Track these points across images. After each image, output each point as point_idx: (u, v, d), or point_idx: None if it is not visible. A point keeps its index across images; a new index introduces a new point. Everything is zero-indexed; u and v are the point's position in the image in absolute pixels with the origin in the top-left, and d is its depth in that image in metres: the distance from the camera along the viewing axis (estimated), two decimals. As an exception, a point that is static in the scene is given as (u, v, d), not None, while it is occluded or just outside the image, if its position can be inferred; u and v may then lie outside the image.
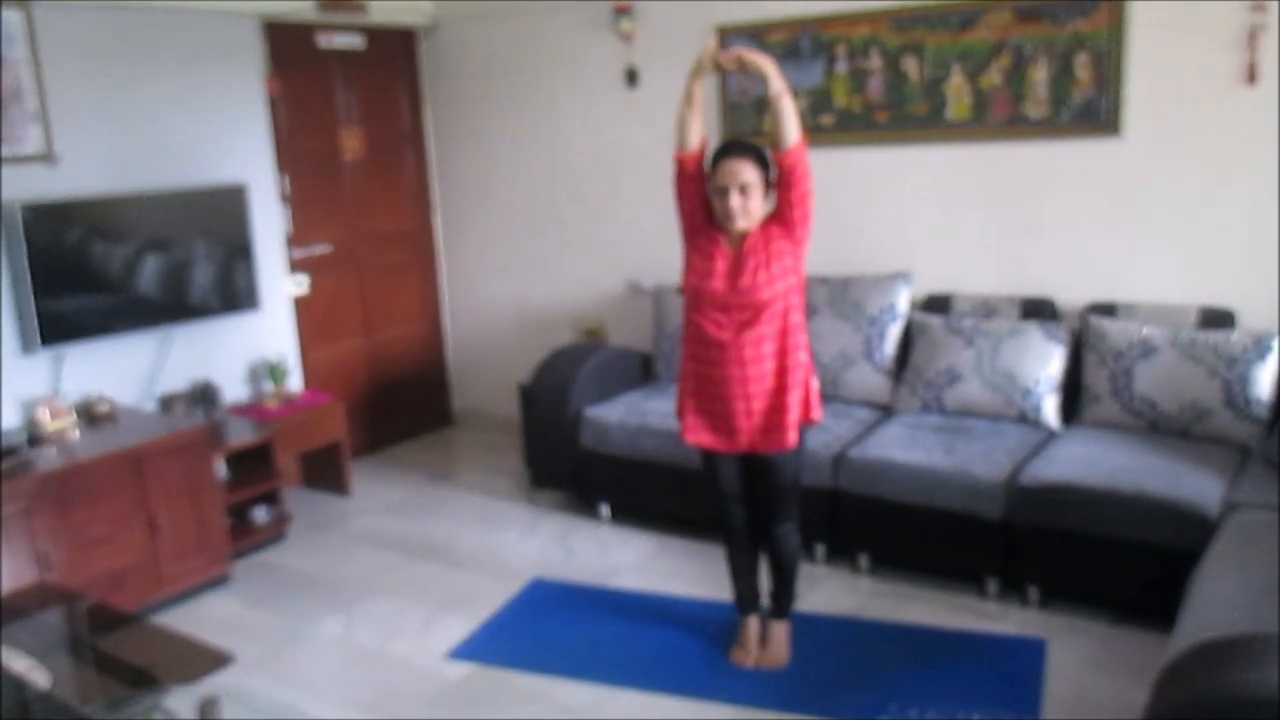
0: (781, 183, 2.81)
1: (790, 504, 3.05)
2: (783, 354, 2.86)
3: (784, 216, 2.84)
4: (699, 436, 2.98)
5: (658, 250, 4.70)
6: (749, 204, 2.80)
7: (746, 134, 4.37)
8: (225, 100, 4.48)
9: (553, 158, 5.15)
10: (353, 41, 5.08)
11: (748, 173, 2.79)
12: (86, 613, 2.95)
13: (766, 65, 2.77)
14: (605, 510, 4.33)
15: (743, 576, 3.19)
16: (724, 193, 2.81)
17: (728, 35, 4.33)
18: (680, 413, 3.03)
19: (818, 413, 2.96)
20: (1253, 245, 3.57)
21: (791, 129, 2.75)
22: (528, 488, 4.70)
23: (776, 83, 2.75)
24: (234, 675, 2.75)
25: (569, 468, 4.33)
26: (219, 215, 4.33)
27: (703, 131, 2.88)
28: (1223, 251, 3.64)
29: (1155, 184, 3.73)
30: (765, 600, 3.23)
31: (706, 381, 2.91)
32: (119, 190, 4.04)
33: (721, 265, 2.85)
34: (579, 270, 5.18)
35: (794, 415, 2.87)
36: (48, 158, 3.86)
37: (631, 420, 4.10)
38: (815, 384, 2.97)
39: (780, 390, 2.87)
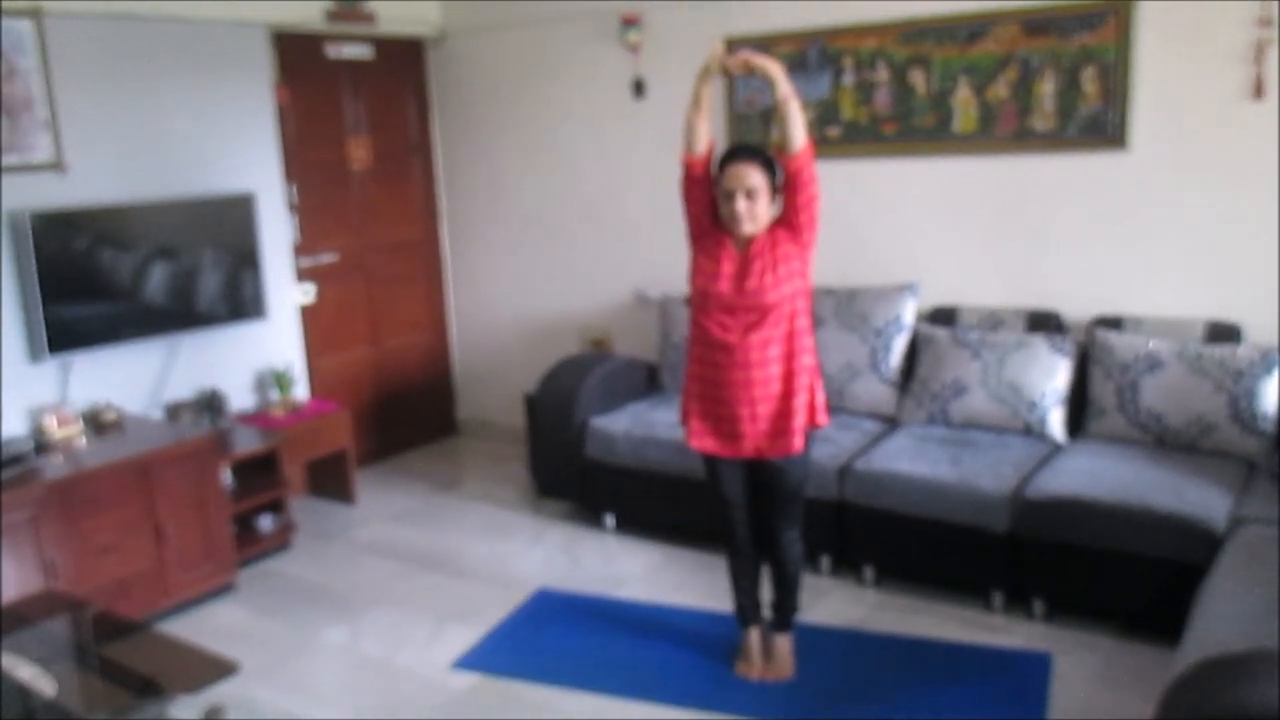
0: (788, 186, 2.82)
1: (795, 510, 3.05)
2: (789, 358, 2.86)
3: (791, 221, 2.84)
4: (703, 442, 2.98)
5: (664, 260, 4.71)
6: (755, 208, 2.81)
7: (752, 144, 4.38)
8: (234, 110, 4.50)
9: (560, 168, 5.16)
10: (361, 52, 5.11)
11: (754, 177, 2.79)
12: (92, 621, 2.95)
13: (773, 69, 2.78)
14: (610, 521, 4.33)
15: (744, 587, 3.18)
16: (731, 196, 2.81)
17: (735, 47, 4.34)
18: (685, 417, 3.03)
19: (823, 417, 2.96)
20: (1259, 259, 3.57)
21: (798, 132, 2.75)
22: (533, 498, 4.70)
23: (784, 86, 2.76)
24: (239, 684, 2.75)
25: (574, 478, 4.33)
26: (227, 224, 4.35)
27: (710, 135, 2.89)
28: (1229, 265, 3.64)
29: (1162, 198, 3.73)
30: (766, 612, 3.23)
31: (712, 385, 2.91)
32: (127, 199, 4.06)
33: (728, 268, 2.86)
34: (585, 280, 5.19)
35: (800, 419, 2.87)
36: (57, 166, 3.88)
37: (637, 430, 4.10)
38: (821, 388, 2.97)
39: (786, 394, 2.87)
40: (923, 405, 3.93)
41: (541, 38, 5.05)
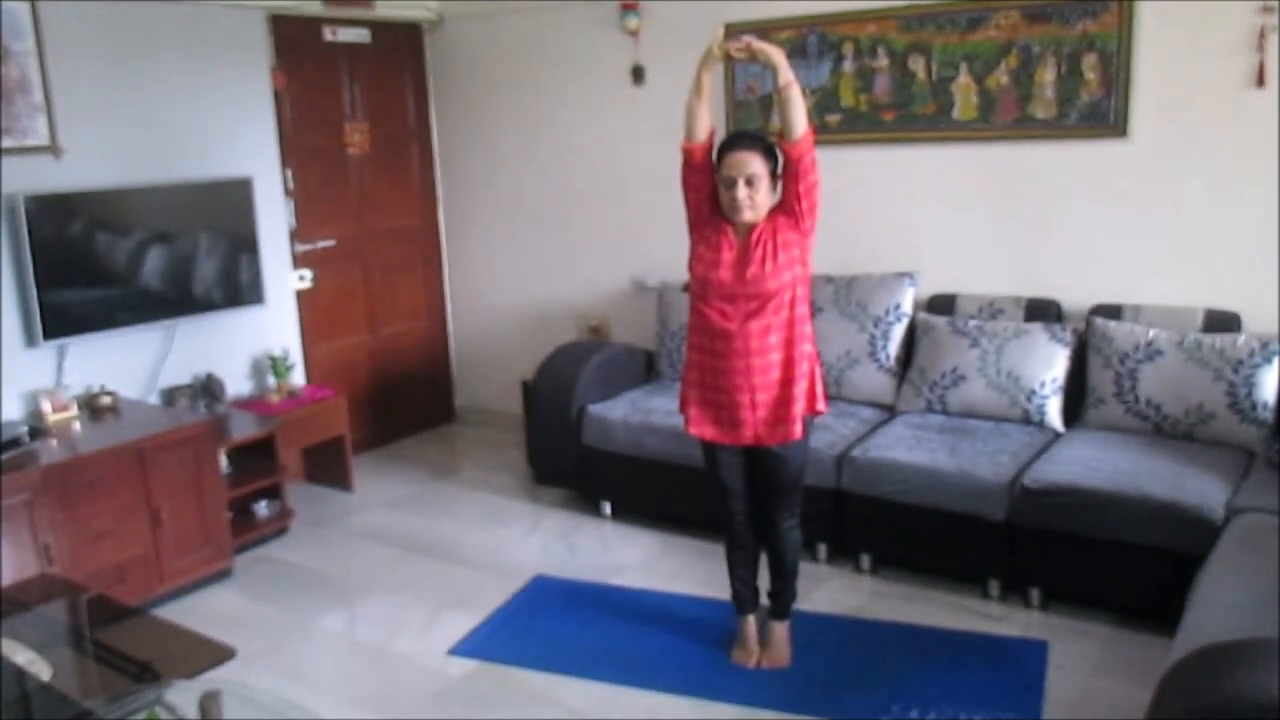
0: (789, 174, 2.80)
1: (793, 498, 3.04)
2: (789, 345, 2.85)
3: (791, 208, 2.83)
4: (703, 429, 2.97)
5: (662, 248, 4.70)
6: (756, 195, 2.80)
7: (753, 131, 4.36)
8: (231, 93, 4.47)
9: (558, 155, 5.14)
10: (359, 35, 5.08)
11: (755, 164, 2.78)
12: (88, 606, 2.95)
13: (775, 55, 2.77)
14: (607, 508, 4.33)
15: (742, 575, 3.18)
16: (731, 184, 2.80)
17: (734, 33, 4.31)
18: (683, 405, 3.02)
19: (823, 404, 2.96)
20: (1259, 248, 3.56)
21: (800, 119, 2.74)
22: (530, 485, 4.69)
23: (785, 73, 2.75)
24: (235, 670, 2.74)
25: (572, 465, 4.32)
26: (224, 208, 4.33)
27: (711, 122, 2.87)
28: (1229, 254, 3.63)
29: (1162, 186, 3.72)
30: (764, 600, 3.22)
31: (711, 373, 2.90)
32: (124, 182, 4.03)
33: (728, 256, 2.84)
34: (583, 267, 5.18)
35: (799, 406, 2.87)
36: (53, 149, 3.86)
37: (634, 418, 4.10)
38: (821, 375, 2.96)
39: (786, 381, 2.86)
40: (921, 394, 3.92)
41: (540, 23, 5.02)
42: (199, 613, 3.58)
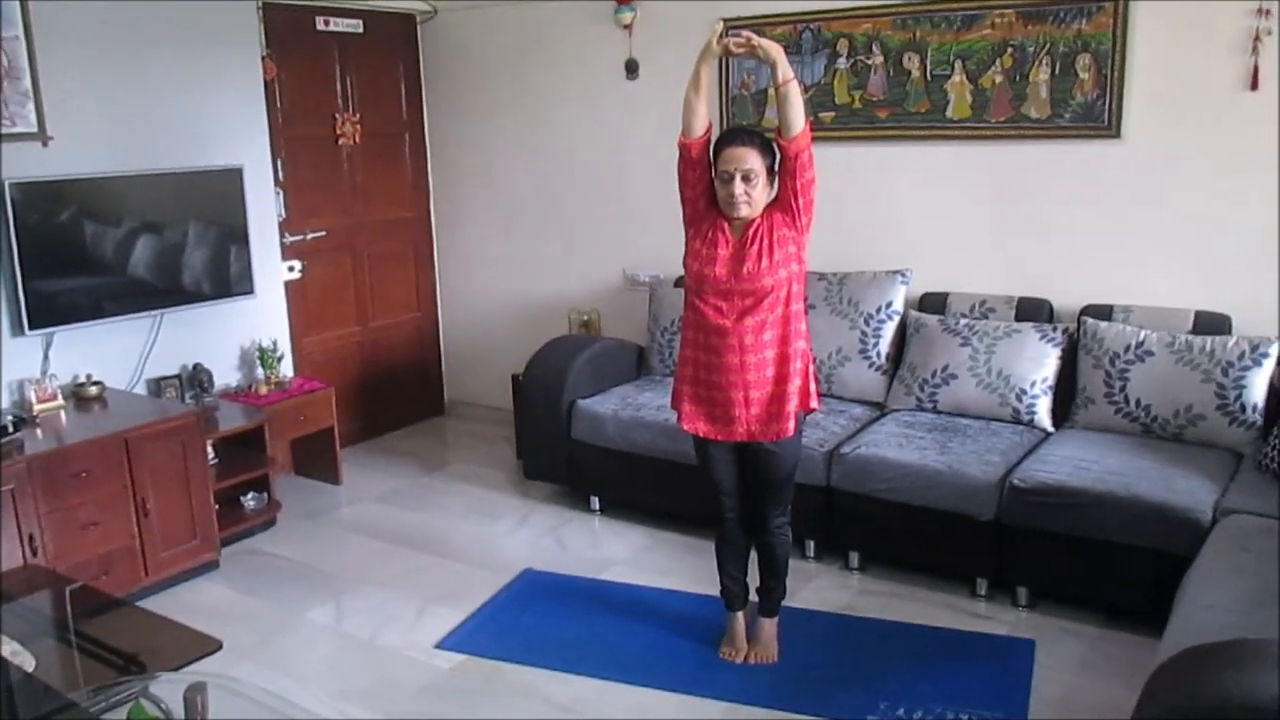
0: (786, 170, 2.79)
1: (785, 495, 3.04)
2: (783, 342, 2.84)
3: (787, 204, 2.82)
4: (695, 425, 2.96)
5: (655, 243, 4.69)
6: (752, 191, 2.78)
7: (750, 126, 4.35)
8: (222, 82, 4.43)
9: (551, 148, 5.12)
10: (351, 25, 5.05)
11: (752, 159, 2.77)
12: (73, 597, 2.93)
13: (775, 51, 2.76)
14: (597, 503, 4.32)
15: (732, 571, 3.18)
16: (728, 179, 2.79)
17: (728, 29, 4.31)
18: (676, 400, 3.01)
19: (816, 402, 2.96)
20: (1250, 251, 3.57)
21: (798, 116, 2.73)
22: (520, 479, 4.68)
23: (785, 69, 2.74)
24: (222, 662, 2.73)
25: (561, 460, 4.31)
26: (214, 198, 4.29)
27: (708, 117, 2.86)
28: (1220, 256, 3.64)
29: (1155, 187, 3.72)
30: (753, 596, 3.22)
31: (705, 369, 2.90)
32: (112, 171, 3.99)
33: (724, 252, 2.83)
34: (575, 262, 5.17)
35: (793, 404, 2.86)
36: (40, 137, 3.82)
37: (625, 413, 4.09)
38: (814, 372, 2.96)
39: (780, 379, 2.85)
40: (911, 392, 3.93)
41: (534, 16, 5.01)
42: (185, 605, 3.56)
